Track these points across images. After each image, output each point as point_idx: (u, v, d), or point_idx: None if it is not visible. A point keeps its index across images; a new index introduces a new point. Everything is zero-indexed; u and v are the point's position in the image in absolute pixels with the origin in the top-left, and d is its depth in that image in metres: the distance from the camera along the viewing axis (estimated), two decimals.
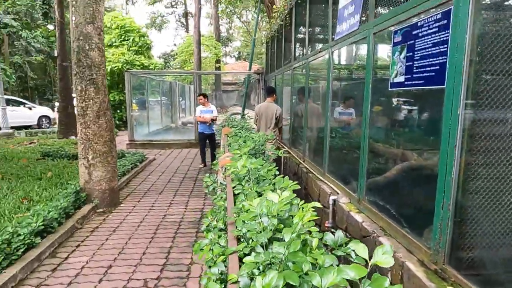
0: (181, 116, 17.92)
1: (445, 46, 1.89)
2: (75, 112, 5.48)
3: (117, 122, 14.96)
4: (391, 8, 2.68)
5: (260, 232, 1.43)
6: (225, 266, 1.57)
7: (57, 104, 15.04)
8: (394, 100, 2.83)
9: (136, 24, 17.09)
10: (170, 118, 16.04)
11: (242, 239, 1.55)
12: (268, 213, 1.51)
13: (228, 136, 5.25)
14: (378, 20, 2.75)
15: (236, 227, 1.63)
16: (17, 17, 20.08)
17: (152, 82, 13.62)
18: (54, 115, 17.30)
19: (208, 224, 2.23)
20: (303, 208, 1.44)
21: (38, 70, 27.07)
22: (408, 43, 2.29)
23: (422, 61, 2.13)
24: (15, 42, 22.78)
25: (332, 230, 3.28)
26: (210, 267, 1.64)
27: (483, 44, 1.74)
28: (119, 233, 4.24)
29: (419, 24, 2.17)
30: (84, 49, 4.76)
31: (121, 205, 5.30)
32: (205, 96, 8.09)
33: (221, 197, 2.61)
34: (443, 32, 1.91)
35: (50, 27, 24.03)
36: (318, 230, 1.49)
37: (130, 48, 16.03)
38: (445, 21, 1.89)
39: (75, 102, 5.51)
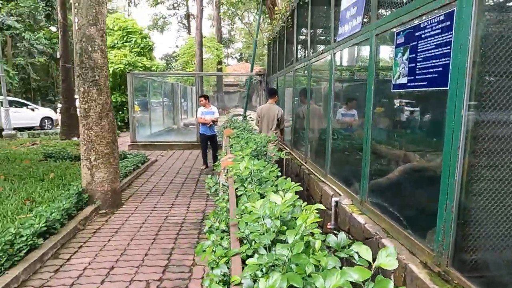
0: (183, 118, 17.93)
1: (448, 47, 1.89)
2: (78, 113, 5.50)
3: (119, 123, 15.00)
4: (393, 9, 2.68)
5: (263, 234, 1.43)
6: (228, 268, 1.56)
7: (59, 105, 15.11)
8: (397, 101, 2.83)
9: (138, 25, 17.16)
10: (172, 119, 16.06)
11: (244, 241, 1.55)
12: (271, 215, 1.51)
13: (230, 138, 5.25)
14: (381, 22, 2.74)
15: (239, 228, 1.62)
16: (20, 19, 20.17)
17: (154, 83, 13.65)
18: (56, 116, 17.37)
19: (211, 225, 2.22)
20: (304, 209, 1.44)
21: (41, 71, 27.17)
22: (411, 44, 2.29)
23: (425, 63, 2.13)
24: (18, 43, 22.89)
25: (334, 231, 3.27)
26: (212, 268, 1.64)
27: (487, 46, 1.74)
28: (121, 234, 4.25)
29: (421, 26, 2.17)
30: (86, 51, 4.78)
31: (123, 206, 5.31)
32: (206, 97, 8.09)
33: (223, 199, 2.61)
34: (446, 34, 1.91)
35: (53, 28, 24.11)
36: (321, 232, 1.49)
37: (132, 50, 16.09)
38: (448, 23, 1.89)
39: (77, 103, 5.53)
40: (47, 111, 18.21)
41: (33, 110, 16.94)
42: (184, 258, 3.61)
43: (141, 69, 15.27)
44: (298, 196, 1.76)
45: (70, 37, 12.90)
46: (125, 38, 16.22)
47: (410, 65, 2.30)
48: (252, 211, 1.60)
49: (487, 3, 1.83)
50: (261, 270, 1.25)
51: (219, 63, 26.75)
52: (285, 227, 1.51)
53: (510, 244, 1.87)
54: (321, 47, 4.74)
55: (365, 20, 3.10)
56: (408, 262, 2.11)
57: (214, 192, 3.23)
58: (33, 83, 26.49)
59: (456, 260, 1.87)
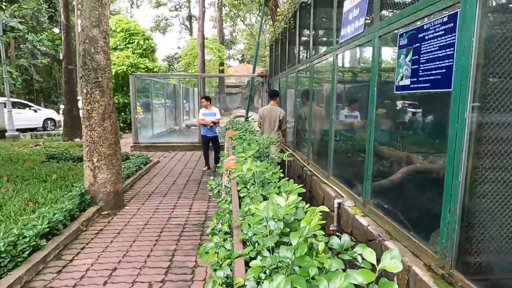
0: (185, 119, 17.97)
1: (452, 49, 1.88)
2: (80, 114, 5.52)
3: (122, 124, 15.03)
4: (396, 11, 2.68)
5: (267, 235, 1.43)
6: (231, 270, 1.56)
7: (62, 106, 15.15)
8: (400, 103, 2.82)
9: (141, 27, 17.23)
10: (174, 120, 16.09)
11: (247, 243, 1.55)
12: (274, 217, 1.50)
13: (232, 139, 5.26)
14: (383, 23, 2.74)
15: (242, 230, 1.62)
16: (23, 20, 20.26)
17: (156, 84, 13.68)
18: (59, 117, 17.43)
19: (213, 227, 2.22)
20: (307, 211, 1.44)
21: (44, 73, 27.31)
22: (414, 46, 2.29)
23: (428, 64, 2.12)
24: (21, 45, 23.03)
25: (337, 233, 3.26)
26: (215, 270, 1.64)
27: (490, 47, 1.73)
28: (123, 235, 4.25)
29: (425, 27, 2.16)
30: (89, 53, 4.80)
31: (126, 207, 5.31)
32: (207, 99, 8.09)
33: (226, 200, 2.61)
34: (450, 35, 1.91)
35: (56, 30, 24.22)
36: (324, 233, 1.48)
37: (135, 51, 16.15)
38: (452, 24, 1.89)
39: (80, 104, 5.55)
40: (50, 112, 18.29)
41: (36, 111, 17.01)
42: (186, 260, 3.60)
43: (143, 71, 15.32)
44: (301, 198, 1.76)
45: (72, 39, 12.97)
46: (127, 40, 16.29)
47: (413, 67, 2.30)
48: (255, 213, 1.60)
49: (491, 5, 1.83)
50: (265, 272, 1.25)
51: (221, 64, 26.79)
52: (288, 229, 1.51)
53: None
54: (323, 49, 4.74)
55: (367, 21, 3.10)
56: (412, 264, 2.10)
57: (216, 194, 3.23)
58: (36, 85, 26.61)
59: (460, 262, 1.86)
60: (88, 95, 4.85)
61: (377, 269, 1.07)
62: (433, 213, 2.06)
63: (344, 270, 1.16)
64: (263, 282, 1.16)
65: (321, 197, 4.02)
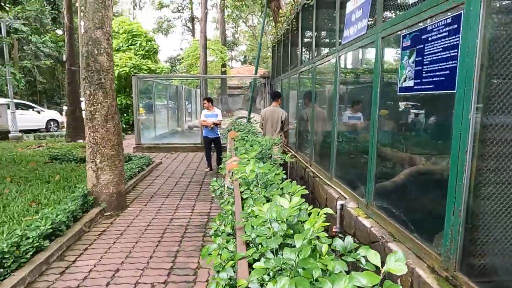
0: (187, 120, 17.99)
1: (456, 50, 1.88)
2: (83, 116, 5.54)
3: (124, 125, 15.08)
4: (398, 12, 2.67)
5: (270, 237, 1.42)
6: (234, 272, 1.56)
7: (65, 108, 15.20)
8: (403, 104, 2.81)
9: (143, 28, 17.29)
10: (177, 122, 16.12)
11: (251, 245, 1.55)
12: (277, 219, 1.50)
13: (234, 140, 5.26)
14: (387, 25, 2.74)
15: (245, 232, 1.62)
16: (27, 22, 20.38)
17: (159, 86, 13.71)
18: (62, 118, 17.49)
19: (216, 228, 2.22)
20: (311, 213, 1.43)
21: (47, 74, 27.41)
22: (417, 47, 2.28)
23: (431, 66, 2.12)
24: (25, 46, 23.14)
25: (340, 235, 3.25)
26: (218, 272, 1.63)
27: (495, 48, 1.72)
28: (126, 236, 4.26)
29: (428, 29, 2.16)
30: (93, 54, 4.82)
31: (128, 208, 5.32)
32: (209, 100, 8.10)
33: (228, 202, 2.61)
34: (454, 36, 1.90)
35: (59, 32, 24.35)
36: (327, 235, 1.48)
37: (137, 53, 16.21)
38: (456, 26, 1.88)
39: (83, 106, 5.57)
40: (53, 114, 18.37)
41: (39, 112, 17.09)
42: (189, 261, 3.60)
43: (146, 72, 15.37)
44: (304, 200, 1.76)
45: (76, 40, 13.04)
46: (130, 41, 16.36)
47: (416, 68, 2.29)
48: (258, 215, 1.60)
49: (495, 6, 1.82)
50: (268, 274, 1.25)
51: (223, 65, 26.81)
52: (292, 231, 1.51)
53: None
54: (325, 50, 4.74)
55: (370, 22, 3.09)
56: (415, 266, 2.09)
57: (219, 195, 3.23)
58: (39, 86, 26.72)
59: (464, 264, 1.85)
60: (91, 97, 4.87)
61: (382, 271, 1.06)
62: (436, 215, 2.05)
63: (347, 272, 1.16)
64: (267, 284, 1.16)
65: (323, 199, 4.01)
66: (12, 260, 3.13)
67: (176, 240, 4.14)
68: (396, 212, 2.62)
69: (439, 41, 2.04)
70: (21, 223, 3.91)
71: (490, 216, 1.83)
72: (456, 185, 1.85)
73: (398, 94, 2.57)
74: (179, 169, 8.30)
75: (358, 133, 3.78)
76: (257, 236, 1.49)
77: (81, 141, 11.80)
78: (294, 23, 6.68)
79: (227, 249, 1.80)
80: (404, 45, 2.45)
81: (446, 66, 1.97)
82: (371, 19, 3.08)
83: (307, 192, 2.01)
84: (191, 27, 37.67)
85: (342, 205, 3.36)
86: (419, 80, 2.26)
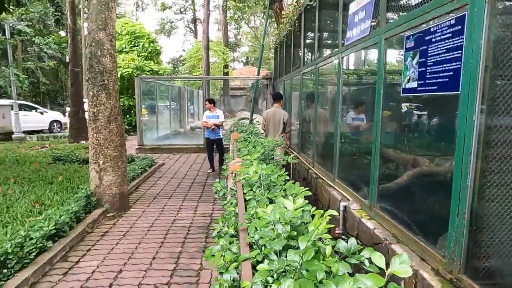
0: (189, 121, 18.02)
1: (460, 51, 1.87)
2: (86, 117, 5.56)
3: (127, 126, 15.11)
4: (401, 13, 2.67)
5: (274, 239, 1.42)
6: (237, 273, 1.56)
7: (68, 109, 15.27)
8: (406, 105, 2.81)
9: (146, 30, 17.35)
10: (179, 123, 16.15)
11: (254, 246, 1.54)
12: (281, 220, 1.50)
13: (237, 141, 5.26)
14: (390, 26, 2.73)
15: (249, 233, 1.62)
16: (30, 23, 20.50)
17: (161, 87, 13.74)
18: (65, 119, 17.58)
19: (219, 230, 2.22)
20: (314, 215, 1.43)
21: (50, 75, 27.53)
22: (421, 48, 2.27)
23: (435, 67, 2.11)
24: (28, 48, 23.25)
25: (343, 237, 3.24)
26: (221, 273, 1.63)
27: (499, 49, 1.72)
28: (129, 237, 4.26)
29: (432, 30, 2.15)
30: (96, 55, 4.84)
31: (131, 209, 5.33)
32: (211, 101, 8.11)
33: (231, 203, 2.61)
34: (457, 38, 1.89)
35: (62, 33, 24.52)
36: (330, 237, 1.47)
37: (140, 54, 16.26)
38: (459, 27, 1.87)
39: (86, 107, 5.59)
40: (56, 115, 18.46)
41: (42, 113, 17.18)
42: (191, 262, 3.60)
43: (149, 73, 15.41)
44: (307, 201, 1.76)
45: (79, 42, 13.09)
46: (133, 43, 16.42)
47: (420, 70, 2.28)
48: (262, 216, 1.59)
49: (499, 7, 1.81)
50: (272, 276, 1.24)
51: (226, 67, 26.84)
52: (295, 233, 1.50)
53: None
54: (328, 51, 4.73)
55: (373, 24, 3.09)
56: (419, 268, 2.08)
57: (221, 196, 3.23)
58: (42, 87, 26.84)
59: (468, 267, 1.84)
60: (94, 98, 4.89)
61: (386, 273, 1.06)
62: (440, 216, 2.04)
63: (351, 274, 1.15)
64: (271, 286, 1.16)
65: (326, 200, 4.00)
66: (15, 260, 3.14)
67: (179, 241, 4.15)
68: (400, 213, 2.61)
69: (443, 42, 2.03)
70: (25, 223, 3.93)
71: (495, 218, 1.82)
72: (460, 187, 1.84)
73: (402, 95, 2.56)
74: (182, 170, 8.31)
75: (361, 134, 3.77)
76: (261, 237, 1.49)
77: (84, 142, 11.84)
78: (296, 24, 6.68)
79: (230, 250, 1.80)
80: (407, 46, 2.44)
81: (450, 67, 1.96)
82: (374, 20, 3.08)
83: (310, 193, 2.01)
84: (193, 29, 37.76)
85: (345, 207, 3.35)
86: (422, 81, 2.25)
